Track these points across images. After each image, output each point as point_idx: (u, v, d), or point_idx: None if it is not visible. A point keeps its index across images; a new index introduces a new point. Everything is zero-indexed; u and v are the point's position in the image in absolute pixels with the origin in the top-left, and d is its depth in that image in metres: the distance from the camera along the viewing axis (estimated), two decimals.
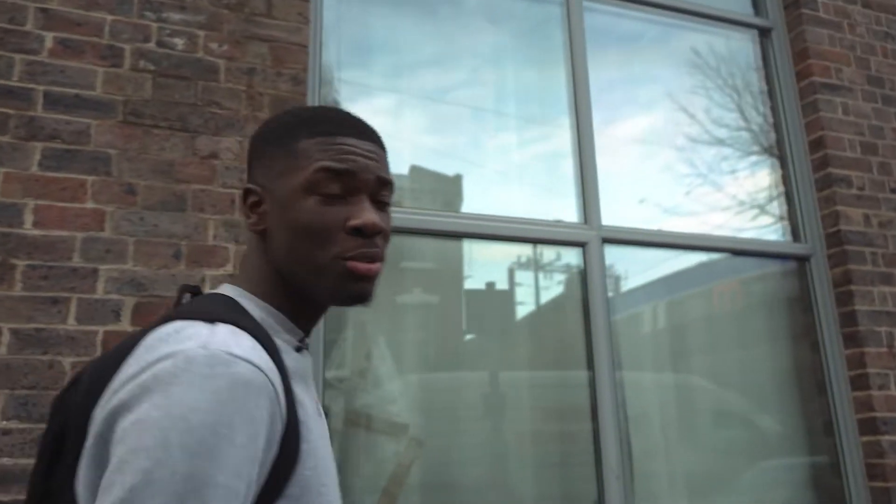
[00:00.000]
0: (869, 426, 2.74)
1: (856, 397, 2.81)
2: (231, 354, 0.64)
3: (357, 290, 0.77)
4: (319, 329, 2.18)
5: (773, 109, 3.21)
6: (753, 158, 3.15)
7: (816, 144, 3.09)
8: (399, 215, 2.37)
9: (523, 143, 2.75)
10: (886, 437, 2.69)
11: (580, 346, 2.54)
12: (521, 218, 2.58)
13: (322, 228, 0.76)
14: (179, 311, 0.72)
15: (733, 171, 3.09)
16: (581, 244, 2.61)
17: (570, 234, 2.61)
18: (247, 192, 0.82)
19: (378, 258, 0.79)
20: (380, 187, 0.80)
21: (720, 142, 3.11)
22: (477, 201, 2.59)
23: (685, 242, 2.80)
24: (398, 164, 2.52)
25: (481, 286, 2.49)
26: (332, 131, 0.79)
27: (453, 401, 2.33)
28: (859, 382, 2.80)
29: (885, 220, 3.02)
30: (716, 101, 3.16)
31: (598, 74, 2.93)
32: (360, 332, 2.30)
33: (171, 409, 0.60)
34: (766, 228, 3.07)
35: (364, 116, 0.94)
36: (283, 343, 0.77)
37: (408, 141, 2.57)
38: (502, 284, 2.52)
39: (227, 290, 0.80)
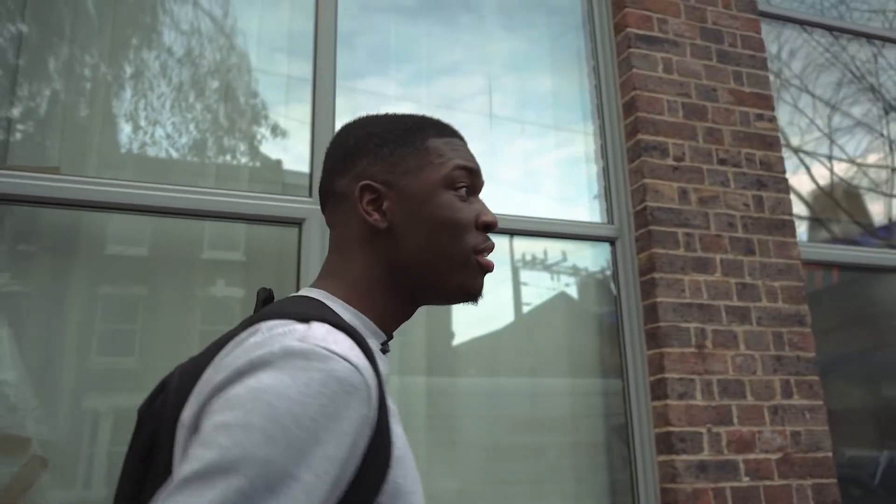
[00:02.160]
0: (665, 443, 2.25)
1: (654, 408, 2.33)
2: (329, 350, 0.62)
3: (480, 285, 0.82)
4: None
5: (595, 70, 2.74)
6: (570, 126, 2.68)
7: (629, 107, 2.61)
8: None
9: (255, 108, 2.29)
10: (682, 458, 2.21)
11: None
12: (225, 192, 2.13)
13: (463, 222, 0.80)
14: (267, 313, 0.69)
15: (545, 142, 2.62)
16: (298, 221, 2.15)
17: (286, 210, 2.14)
18: (364, 189, 0.81)
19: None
20: (481, 190, 0.87)
21: (526, 110, 2.65)
22: (186, 172, 2.15)
23: None
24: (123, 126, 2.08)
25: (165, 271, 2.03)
26: (451, 133, 0.85)
27: (97, 407, 1.88)
28: (658, 390, 2.31)
29: (708, 196, 2.53)
30: (527, 64, 2.69)
31: (356, 21, 2.47)
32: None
33: (259, 393, 0.58)
34: (580, 207, 2.59)
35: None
36: (373, 346, 0.76)
37: (93, 99, 2.13)
38: (189, 267, 2.06)
39: (313, 292, 0.79)
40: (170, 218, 2.05)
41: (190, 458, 0.57)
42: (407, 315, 0.84)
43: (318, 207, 2.17)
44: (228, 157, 2.22)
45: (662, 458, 2.25)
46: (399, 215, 0.80)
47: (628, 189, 2.56)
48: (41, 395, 1.85)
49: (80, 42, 2.14)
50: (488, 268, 0.83)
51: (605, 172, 2.61)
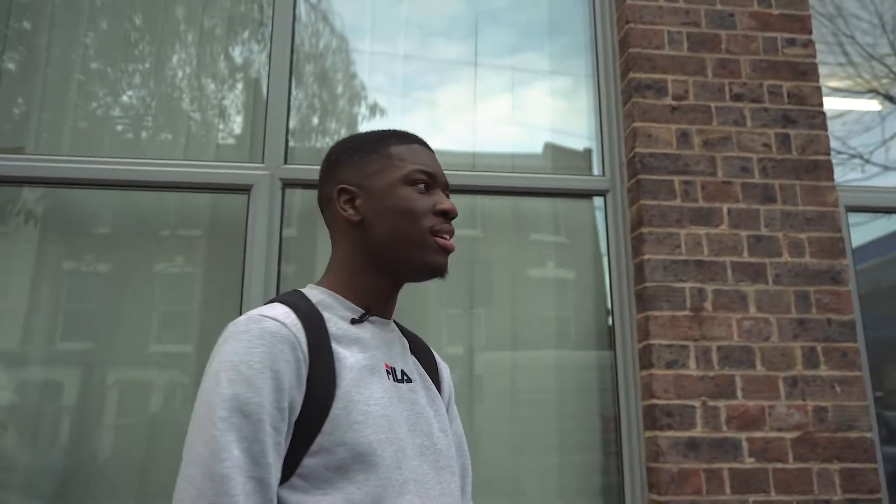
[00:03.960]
0: (650, 417, 2.01)
1: (642, 378, 2.08)
2: (262, 315, 0.85)
3: (440, 263, 0.96)
4: None
5: (591, 5, 2.46)
6: (569, 70, 2.44)
7: (623, 44, 2.32)
8: None
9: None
10: (668, 434, 1.95)
11: (231, 308, 2.07)
12: (168, 162, 2.14)
13: (418, 209, 0.96)
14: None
15: (538, 87, 2.41)
16: (245, 188, 2.12)
17: (231, 177, 2.12)
18: (340, 192, 1.00)
19: (453, 236, 1.02)
20: (446, 187, 1.03)
21: (518, 50, 2.44)
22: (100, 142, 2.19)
23: None
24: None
25: (101, 243, 2.09)
26: (412, 141, 1.02)
27: (48, 378, 1.97)
28: (645, 358, 2.06)
29: (716, 138, 2.20)
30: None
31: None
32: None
33: (222, 358, 0.82)
34: (574, 158, 2.36)
35: None
36: (335, 316, 0.94)
37: None
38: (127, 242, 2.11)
39: (309, 285, 1.01)
40: (119, 190, 2.10)
41: (192, 420, 0.82)
42: (390, 292, 1.00)
43: (267, 174, 2.14)
44: (191, 128, 2.24)
45: (648, 433, 2.01)
46: (368, 209, 0.97)
47: (622, 136, 2.29)
48: (6, 366, 1.97)
49: (48, 28, 2.24)
50: (446, 247, 0.96)
51: (599, 119, 2.35)
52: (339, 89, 2.33)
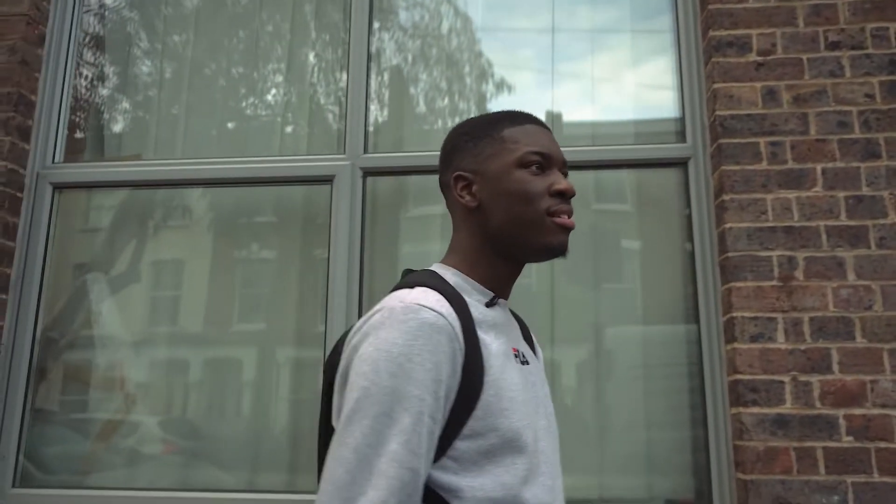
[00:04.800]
0: (735, 394, 1.92)
1: (726, 353, 1.99)
2: (419, 305, 0.85)
3: (559, 241, 0.96)
4: (33, 288, 2.26)
5: None
6: (647, 31, 2.35)
7: (703, 1, 2.19)
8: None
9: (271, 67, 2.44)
10: (753, 410, 1.86)
11: (317, 300, 2.21)
12: (256, 156, 2.32)
13: (533, 192, 0.95)
14: (396, 285, 0.97)
15: (614, 51, 2.35)
16: (328, 178, 2.25)
17: (315, 169, 2.26)
18: (457, 178, 1.01)
19: (572, 215, 0.99)
20: (564, 166, 1.02)
21: (595, 13, 2.38)
22: (198, 141, 2.40)
23: None
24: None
25: (211, 235, 2.31)
26: (526, 122, 1.01)
27: (174, 357, 2.23)
28: (728, 332, 1.97)
29: (808, 93, 2.03)
30: None
31: None
32: (83, 289, 2.32)
33: (379, 345, 0.82)
34: (653, 126, 2.28)
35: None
36: (473, 300, 0.96)
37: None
38: (238, 231, 2.30)
39: (434, 266, 1.03)
40: (217, 188, 2.32)
41: (346, 401, 0.82)
42: (512, 274, 1.00)
43: (348, 164, 2.26)
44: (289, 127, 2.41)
45: (733, 410, 1.93)
46: (485, 194, 0.98)
47: (703, 99, 2.17)
48: (134, 345, 2.26)
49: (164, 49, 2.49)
50: (564, 225, 0.95)
51: (680, 83, 2.24)
52: (415, 77, 2.39)
